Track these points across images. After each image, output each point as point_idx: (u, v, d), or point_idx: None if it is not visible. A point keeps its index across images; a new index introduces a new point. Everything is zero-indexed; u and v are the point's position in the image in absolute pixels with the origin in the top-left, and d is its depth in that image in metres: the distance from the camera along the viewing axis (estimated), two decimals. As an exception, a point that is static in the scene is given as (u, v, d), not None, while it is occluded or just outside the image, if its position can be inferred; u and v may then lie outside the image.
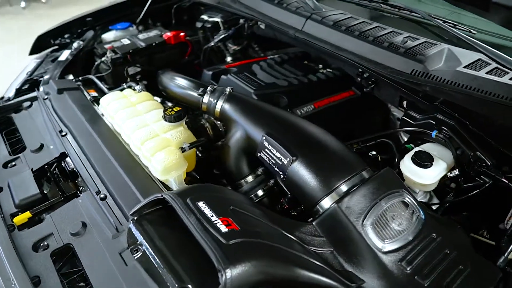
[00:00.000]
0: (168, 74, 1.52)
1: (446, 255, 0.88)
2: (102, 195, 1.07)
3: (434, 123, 1.17)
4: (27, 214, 1.04)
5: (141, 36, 1.90)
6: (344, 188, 0.95)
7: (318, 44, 1.45)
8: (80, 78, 1.65)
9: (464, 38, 1.22)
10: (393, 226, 0.90)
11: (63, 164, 1.22)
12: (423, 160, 1.12)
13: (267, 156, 1.10)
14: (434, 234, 0.91)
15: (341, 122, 1.52)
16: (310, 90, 1.56)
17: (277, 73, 1.63)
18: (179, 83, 1.39)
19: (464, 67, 1.17)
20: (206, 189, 0.98)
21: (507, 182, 1.04)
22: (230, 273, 0.71)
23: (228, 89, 1.27)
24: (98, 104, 1.47)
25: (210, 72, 1.67)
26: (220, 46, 2.01)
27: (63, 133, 1.31)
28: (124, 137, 1.24)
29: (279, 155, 1.06)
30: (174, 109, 1.21)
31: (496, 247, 1.05)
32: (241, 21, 1.92)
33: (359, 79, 1.42)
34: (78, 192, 1.12)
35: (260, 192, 1.20)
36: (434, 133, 1.16)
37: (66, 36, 1.93)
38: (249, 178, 1.20)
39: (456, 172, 1.13)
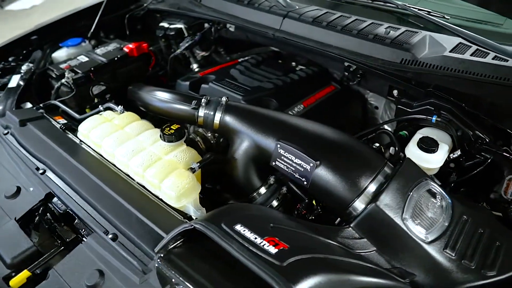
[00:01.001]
0: (146, 88, 1.40)
1: (481, 234, 0.91)
2: (111, 235, 0.94)
3: (433, 108, 1.21)
4: (25, 274, 0.88)
5: (98, 51, 1.73)
6: (373, 187, 0.94)
7: (300, 42, 1.43)
8: (41, 105, 1.45)
9: (443, 25, 1.28)
10: (429, 215, 0.91)
11: (51, 207, 1.06)
12: (429, 145, 1.16)
13: (285, 164, 1.05)
14: (464, 216, 0.94)
15: (331, 117, 1.52)
16: (295, 90, 1.53)
17: (257, 75, 1.58)
18: (166, 98, 1.28)
19: (450, 51, 1.23)
20: (236, 209, 0.91)
21: (508, 155, 1.11)
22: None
23: (224, 99, 1.20)
24: (71, 132, 1.31)
25: (187, 83, 1.57)
26: (186, 53, 1.90)
27: (41, 171, 1.13)
28: (119, 165, 1.11)
29: (299, 162, 1.02)
30: (172, 127, 1.11)
31: (505, 217, 1.12)
32: (206, 25, 1.83)
33: (346, 73, 1.43)
34: (80, 236, 0.98)
35: (275, 203, 1.15)
36: (434, 118, 1.20)
37: (10, 59, 1.69)
38: (262, 190, 1.14)
39: (458, 152, 1.18)
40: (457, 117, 1.18)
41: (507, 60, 1.18)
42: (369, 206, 0.91)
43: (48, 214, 1.04)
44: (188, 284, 0.78)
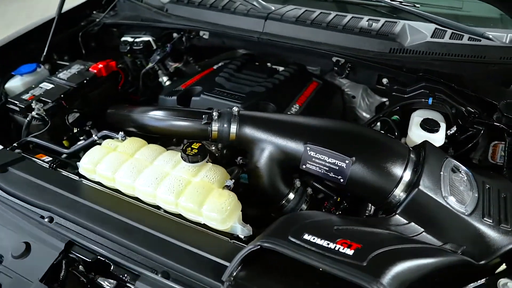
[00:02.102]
0: (137, 109, 1.31)
1: (505, 199, 1.00)
2: (162, 273, 0.86)
3: (428, 91, 1.30)
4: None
5: (61, 75, 1.56)
6: (407, 174, 0.99)
7: (288, 42, 1.44)
8: (16, 144, 1.27)
9: (417, 13, 1.38)
10: (461, 189, 0.99)
11: (75, 257, 0.93)
12: (432, 126, 1.25)
13: (317, 165, 1.05)
14: (487, 185, 1.03)
15: (322, 112, 1.56)
16: (286, 90, 1.53)
17: (244, 80, 1.56)
18: (168, 116, 1.20)
19: (431, 37, 1.33)
20: (295, 220, 0.89)
21: (498, 124, 1.24)
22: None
23: (235, 109, 1.16)
24: (63, 169, 1.17)
25: (174, 97, 1.49)
26: (155, 67, 1.80)
27: (46, 219, 1.00)
28: (143, 197, 1.02)
29: (333, 161, 1.03)
30: (192, 146, 1.05)
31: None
32: (175, 35, 1.75)
33: (336, 68, 1.48)
34: (123, 282, 0.88)
35: (304, 206, 1.15)
36: (430, 100, 1.29)
37: (-45, 97, 1.45)
38: (291, 196, 1.14)
39: (454, 128, 1.29)
40: (449, 96, 1.29)
41: (480, 40, 1.32)
42: (413, 191, 0.95)
43: (76, 265, 0.91)
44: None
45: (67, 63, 1.75)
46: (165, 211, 1.02)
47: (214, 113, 1.15)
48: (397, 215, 0.96)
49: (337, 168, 1.03)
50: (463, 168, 1.05)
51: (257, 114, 1.17)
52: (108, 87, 1.64)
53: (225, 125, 1.13)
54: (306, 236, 0.82)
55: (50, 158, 1.24)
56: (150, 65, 1.71)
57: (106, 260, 0.91)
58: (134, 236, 0.94)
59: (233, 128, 1.13)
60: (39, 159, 1.21)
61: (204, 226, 0.97)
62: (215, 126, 1.14)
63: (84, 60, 1.74)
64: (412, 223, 0.95)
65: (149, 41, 1.73)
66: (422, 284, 0.80)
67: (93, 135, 1.22)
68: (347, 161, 1.01)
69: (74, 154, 1.28)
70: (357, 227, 0.89)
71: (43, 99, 1.42)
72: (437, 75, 1.30)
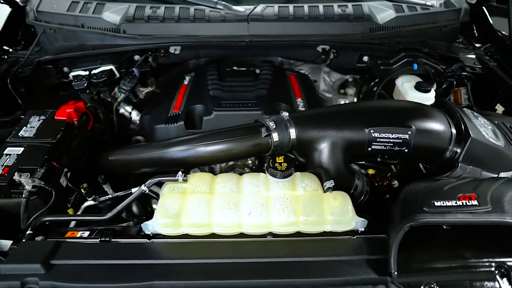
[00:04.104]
0: (159, 145, 1.17)
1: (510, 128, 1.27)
2: None
3: (411, 59, 1.50)
4: None
5: (25, 133, 1.24)
6: (453, 129, 1.14)
7: (277, 40, 1.46)
8: (29, 232, 0.98)
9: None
10: (490, 129, 1.20)
11: None
12: (425, 86, 1.46)
13: (382, 144, 1.13)
14: (495, 121, 1.28)
15: (310, 98, 1.64)
16: (280, 88, 1.55)
17: (237, 88, 1.50)
18: (219, 141, 1.10)
19: (396, 13, 1.53)
20: (411, 196, 0.96)
21: (466, 73, 1.53)
22: None
23: (285, 114, 1.14)
24: (115, 238, 0.97)
25: (181, 122, 1.36)
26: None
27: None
28: (254, 229, 0.93)
29: (396, 135, 1.12)
30: (277, 159, 1.00)
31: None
32: (137, 57, 1.56)
33: (323, 56, 1.56)
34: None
35: (367, 188, 1.22)
36: (415, 66, 1.50)
37: None
38: (357, 182, 1.19)
39: (435, 85, 1.53)
40: (426, 59, 1.52)
41: (429, 9, 1.58)
42: (467, 141, 1.11)
43: None
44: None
45: (6, 119, 1.39)
46: (274, 236, 0.96)
47: (270, 123, 1.10)
48: (460, 165, 1.12)
49: (401, 141, 1.13)
50: (476, 113, 1.27)
51: (307, 114, 1.18)
52: (83, 133, 1.37)
53: (284, 132, 1.10)
54: (436, 203, 0.90)
55: (87, 232, 1.00)
56: (122, 96, 1.49)
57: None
58: (273, 272, 0.86)
59: (293, 134, 1.11)
60: (73, 238, 0.97)
61: (322, 234, 0.96)
62: (275, 136, 1.10)
63: (22, 110, 1.43)
64: (471, 167, 1.13)
65: (111, 69, 1.50)
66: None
67: (133, 189, 1.03)
68: (409, 132, 1.12)
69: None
70: (451, 184, 1.01)
71: (24, 167, 1.11)
72: (411, 44, 1.52)
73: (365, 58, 1.60)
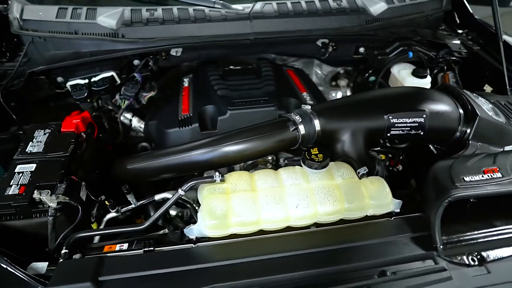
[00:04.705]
0: (181, 149, 1.15)
1: (505, 104, 1.37)
2: (380, 274, 0.86)
3: (406, 47, 1.58)
4: None
5: (33, 149, 1.18)
6: (461, 110, 1.22)
7: (281, 36, 1.48)
8: (64, 251, 0.93)
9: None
10: (491, 107, 1.29)
11: None
12: (422, 73, 1.55)
13: (400, 129, 1.18)
14: (491, 99, 1.37)
15: (311, 91, 1.68)
16: (285, 84, 1.58)
17: (244, 86, 1.50)
18: (247, 139, 1.09)
19: (388, 5, 1.60)
20: (441, 173, 1.02)
21: (455, 57, 1.63)
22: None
23: (308, 108, 1.16)
24: (158, 246, 0.94)
25: (195, 124, 1.34)
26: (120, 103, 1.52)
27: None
28: (301, 221, 0.94)
29: (412, 119, 1.17)
30: (312, 151, 1.02)
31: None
32: (137, 62, 1.51)
33: (323, 50, 1.60)
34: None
35: (387, 173, 1.27)
36: (410, 54, 1.58)
37: None
38: (378, 168, 1.23)
39: (428, 71, 1.62)
40: (419, 47, 1.60)
41: (416, -1, 1.67)
42: (475, 120, 1.19)
43: None
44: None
45: (3, 135, 1.31)
46: (317, 226, 0.98)
47: (296, 117, 1.12)
48: (470, 143, 1.20)
49: (417, 124, 1.19)
50: (474, 94, 1.36)
51: (328, 105, 1.20)
52: (93, 143, 1.31)
53: (310, 125, 1.13)
54: (466, 178, 0.97)
55: (126, 244, 0.96)
56: (127, 102, 1.44)
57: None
58: (325, 261, 0.88)
59: (317, 125, 1.13)
60: (112, 252, 0.94)
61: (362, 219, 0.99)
62: (302, 129, 1.12)
63: (17, 126, 1.34)
64: (480, 143, 1.21)
65: (112, 76, 1.44)
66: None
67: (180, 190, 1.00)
68: (424, 116, 1.18)
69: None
70: (472, 160, 1.08)
71: (42, 184, 1.05)
72: (402, 33, 1.59)
73: (362, 50, 1.65)
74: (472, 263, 0.90)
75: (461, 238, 0.95)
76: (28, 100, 1.49)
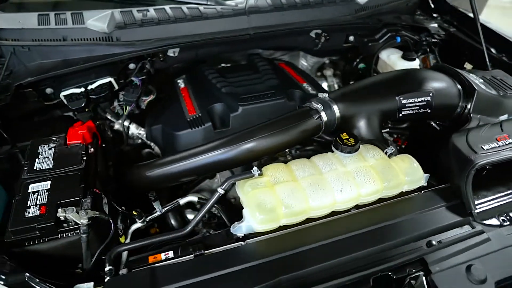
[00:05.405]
0: (203, 149, 1.12)
1: (492, 78, 1.48)
2: (427, 244, 0.91)
3: (394, 33, 1.65)
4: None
5: (42, 166, 1.09)
6: (459, 86, 1.31)
7: (279, 29, 1.49)
8: (109, 269, 0.87)
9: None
10: (482, 82, 1.39)
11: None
12: (411, 56, 1.63)
13: (410, 109, 1.24)
14: (484, 76, 1.47)
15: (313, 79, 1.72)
16: (284, 77, 1.59)
17: (246, 81, 1.50)
18: (274, 132, 1.09)
19: None
20: (461, 139, 1.09)
21: (436, 40, 1.74)
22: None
23: (325, 95, 1.18)
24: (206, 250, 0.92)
25: (208, 123, 1.31)
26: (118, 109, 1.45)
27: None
28: (347, 204, 0.96)
29: (420, 99, 1.24)
30: (342, 136, 1.05)
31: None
32: (132, 65, 1.44)
33: (316, 40, 1.63)
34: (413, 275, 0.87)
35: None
36: (398, 39, 1.66)
37: None
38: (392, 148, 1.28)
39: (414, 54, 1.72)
40: (404, 31, 1.69)
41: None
42: (474, 95, 1.28)
43: None
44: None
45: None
46: (357, 208, 1.01)
47: (318, 105, 1.14)
48: (472, 116, 1.29)
49: (425, 103, 1.25)
50: (465, 71, 1.46)
51: (343, 92, 1.23)
52: (101, 153, 1.24)
53: (331, 112, 1.15)
54: (484, 147, 1.04)
55: (171, 252, 0.92)
56: (129, 108, 1.37)
57: (381, 273, 0.86)
58: (374, 240, 0.91)
59: (337, 112, 1.16)
60: (160, 262, 0.89)
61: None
62: (324, 117, 1.13)
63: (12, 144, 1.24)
64: (480, 115, 1.31)
65: (110, 82, 1.36)
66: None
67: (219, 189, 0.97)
68: (431, 94, 1.25)
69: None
70: (482, 130, 1.16)
71: (63, 201, 0.98)
72: (389, 20, 1.67)
73: (351, 38, 1.71)
74: (504, 223, 0.97)
75: (488, 202, 1.02)
76: (14, 115, 1.36)
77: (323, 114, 1.13)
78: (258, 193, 0.92)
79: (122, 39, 1.36)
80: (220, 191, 0.97)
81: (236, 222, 0.94)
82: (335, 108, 1.15)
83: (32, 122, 1.43)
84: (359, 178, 0.97)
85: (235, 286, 0.80)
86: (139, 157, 1.47)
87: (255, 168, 0.99)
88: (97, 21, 1.37)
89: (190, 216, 1.33)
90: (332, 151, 1.08)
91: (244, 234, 0.93)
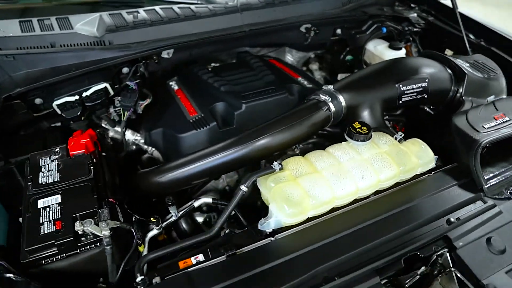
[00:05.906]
0: (215, 149, 1.11)
1: (475, 62, 1.56)
2: (446, 222, 0.95)
3: (380, 24, 1.70)
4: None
5: (45, 180, 1.03)
6: (449, 70, 1.37)
7: (272, 25, 1.50)
8: (140, 279, 0.83)
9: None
10: (469, 65, 1.47)
11: None
12: (397, 45, 1.69)
13: (409, 95, 1.28)
14: (469, 60, 1.55)
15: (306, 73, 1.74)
16: (279, 73, 1.59)
17: (243, 79, 1.49)
18: (286, 127, 1.09)
19: None
20: (462, 119, 1.16)
21: (417, 29, 1.81)
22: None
23: (330, 87, 1.20)
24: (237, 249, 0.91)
25: (213, 123, 1.30)
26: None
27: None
28: (368, 191, 0.98)
29: (418, 85, 1.29)
30: (355, 125, 1.07)
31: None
32: (126, 69, 1.39)
33: (307, 35, 1.65)
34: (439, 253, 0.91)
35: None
36: (384, 29, 1.71)
37: None
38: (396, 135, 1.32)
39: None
40: (390, 22, 1.74)
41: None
42: (465, 79, 1.34)
43: None
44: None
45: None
46: (375, 194, 1.04)
47: (326, 97, 1.15)
48: (464, 99, 1.35)
49: (422, 89, 1.30)
50: (451, 56, 1.53)
51: (345, 82, 1.25)
52: (104, 161, 1.19)
53: (338, 102, 1.17)
54: (484, 125, 1.10)
55: (200, 255, 0.90)
56: (128, 113, 1.32)
57: (410, 254, 0.89)
58: (397, 222, 0.94)
59: (343, 102, 1.18)
60: (196, 265, 0.88)
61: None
62: (332, 108, 1.15)
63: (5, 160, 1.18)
64: (470, 98, 1.38)
65: (105, 88, 1.31)
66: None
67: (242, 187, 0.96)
68: (427, 80, 1.30)
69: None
70: (479, 110, 1.22)
71: (79, 214, 0.93)
72: (373, 11, 1.72)
73: (339, 31, 1.75)
74: (512, 196, 1.03)
75: (495, 178, 1.08)
76: (2, 129, 1.28)
77: (331, 105, 1.15)
78: (283, 187, 0.92)
79: (115, 43, 1.31)
80: (244, 188, 0.96)
81: (262, 219, 0.93)
82: (341, 98, 1.18)
83: (20, 135, 1.35)
84: (376, 164, 1.00)
85: (275, 283, 0.80)
86: (137, 163, 1.43)
87: (275, 163, 0.99)
88: (86, 25, 1.31)
89: (199, 219, 1.31)
90: (340, 142, 1.10)
91: (273, 230, 0.93)
